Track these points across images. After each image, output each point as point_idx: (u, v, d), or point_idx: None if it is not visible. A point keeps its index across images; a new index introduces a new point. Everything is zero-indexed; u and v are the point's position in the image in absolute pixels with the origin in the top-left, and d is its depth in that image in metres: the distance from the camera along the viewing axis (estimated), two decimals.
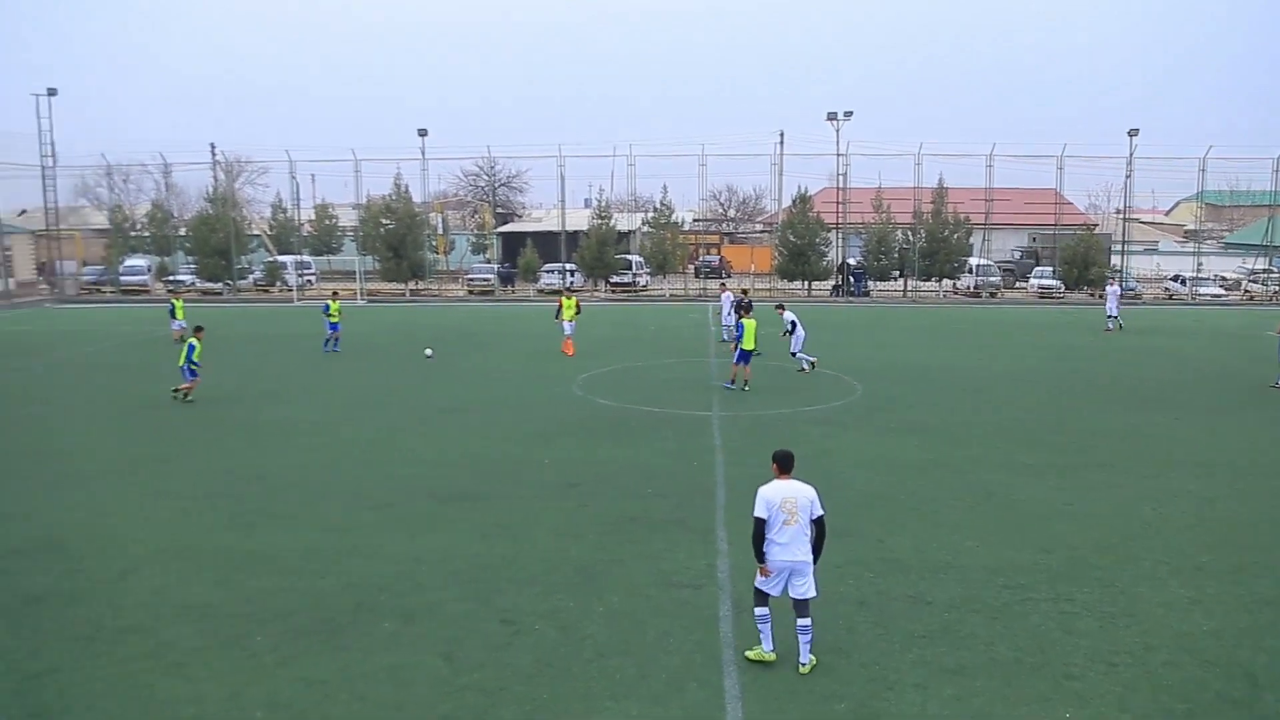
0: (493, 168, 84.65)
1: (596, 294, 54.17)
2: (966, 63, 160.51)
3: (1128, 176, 55.01)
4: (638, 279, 56.14)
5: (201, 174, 62.32)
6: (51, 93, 52.63)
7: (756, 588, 8.64)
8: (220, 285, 55.34)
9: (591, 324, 38.40)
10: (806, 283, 54.46)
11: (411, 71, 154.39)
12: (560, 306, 28.95)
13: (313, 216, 63.01)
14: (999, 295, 55.18)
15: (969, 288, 55.26)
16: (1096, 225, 67.52)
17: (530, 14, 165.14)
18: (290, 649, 9.04)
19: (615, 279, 55.27)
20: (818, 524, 8.50)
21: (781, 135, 55.13)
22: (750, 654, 8.68)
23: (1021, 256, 63.72)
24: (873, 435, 18.04)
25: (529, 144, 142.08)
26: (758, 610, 8.63)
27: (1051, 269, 55.76)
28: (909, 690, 8.19)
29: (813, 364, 25.26)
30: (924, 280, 54.90)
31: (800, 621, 8.53)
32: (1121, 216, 61.42)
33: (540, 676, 8.47)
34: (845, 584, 10.52)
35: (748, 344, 22.16)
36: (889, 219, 54.11)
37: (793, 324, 25.56)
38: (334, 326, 29.63)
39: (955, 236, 53.65)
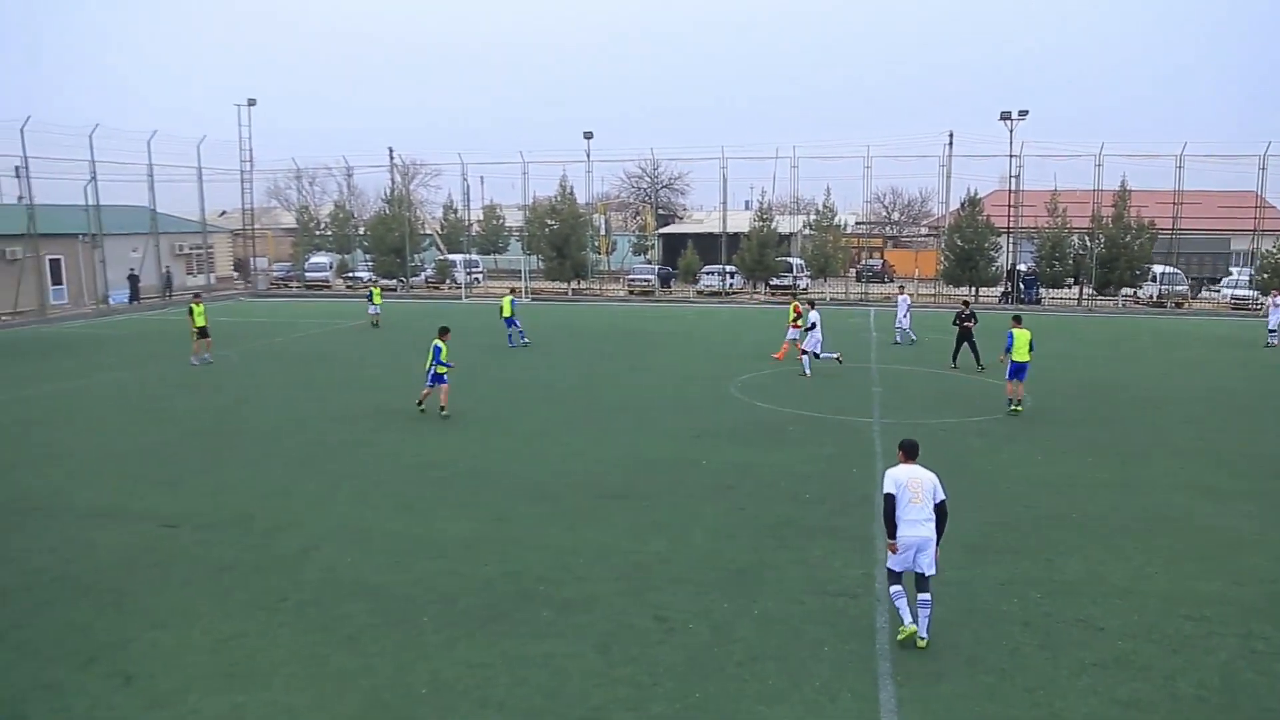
0: (655, 170, 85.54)
1: (756, 296, 53.95)
2: (1156, 58, 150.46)
3: None
4: (798, 282, 55.56)
5: (380, 176, 65.77)
6: (251, 103, 56.66)
7: (888, 567, 9.28)
8: (395, 282, 58.23)
9: (749, 326, 38.42)
10: (974, 288, 52.44)
11: (578, 74, 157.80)
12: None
13: (481, 217, 65.46)
14: (1185, 305, 51.53)
15: (1151, 296, 51.82)
16: None
17: (694, 15, 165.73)
18: (454, 631, 9.46)
19: (775, 282, 54.87)
20: (939, 509, 9.11)
21: (950, 136, 53.08)
22: (900, 635, 9.07)
23: None
24: (1042, 449, 17.21)
25: (691, 146, 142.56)
26: (892, 588, 9.23)
27: (1248, 277, 51.60)
28: None
29: (839, 358, 26.21)
30: (1101, 288, 51.85)
31: (921, 596, 9.09)
32: None
33: (692, 675, 8.54)
34: (1009, 603, 10.12)
35: (1020, 355, 20.41)
36: (1065, 223, 51.40)
37: (814, 324, 25.43)
38: (510, 322, 31.06)
39: (1138, 243, 50.47)
